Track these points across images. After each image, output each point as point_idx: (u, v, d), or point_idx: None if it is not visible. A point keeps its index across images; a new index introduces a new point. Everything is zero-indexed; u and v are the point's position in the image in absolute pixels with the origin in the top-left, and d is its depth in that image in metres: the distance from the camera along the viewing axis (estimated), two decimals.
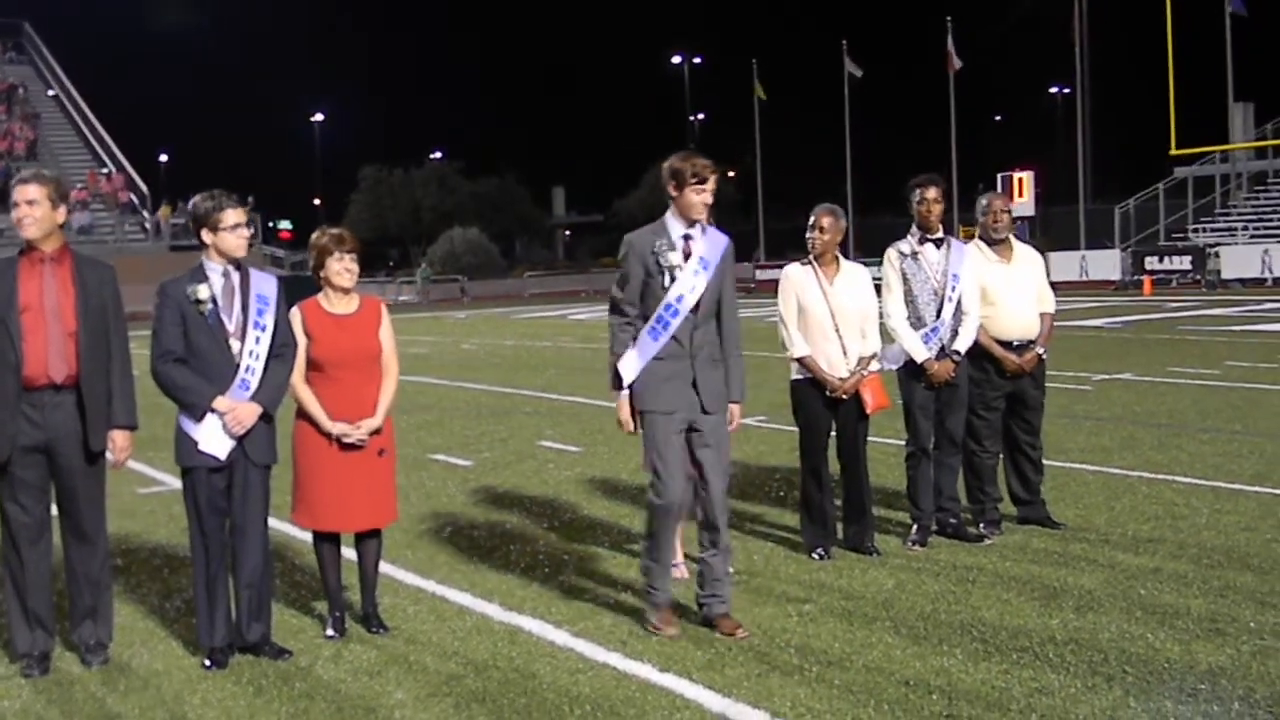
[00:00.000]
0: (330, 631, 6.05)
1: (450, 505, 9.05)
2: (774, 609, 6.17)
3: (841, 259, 7.22)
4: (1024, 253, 7.74)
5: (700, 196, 5.86)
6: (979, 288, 7.44)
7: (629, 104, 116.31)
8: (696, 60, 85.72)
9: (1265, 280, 36.04)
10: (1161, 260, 39.55)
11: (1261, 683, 4.94)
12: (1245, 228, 43.64)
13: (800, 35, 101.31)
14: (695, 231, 5.94)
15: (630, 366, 5.90)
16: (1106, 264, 40.90)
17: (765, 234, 67.92)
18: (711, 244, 5.96)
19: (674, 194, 5.92)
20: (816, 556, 7.10)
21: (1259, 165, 49.45)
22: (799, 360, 7.14)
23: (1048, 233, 58.51)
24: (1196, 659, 5.22)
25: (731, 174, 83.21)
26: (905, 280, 7.29)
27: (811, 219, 7.19)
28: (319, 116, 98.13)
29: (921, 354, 7.19)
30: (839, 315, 7.10)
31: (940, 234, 7.33)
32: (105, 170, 52.68)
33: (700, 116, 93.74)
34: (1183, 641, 5.43)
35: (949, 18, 53.14)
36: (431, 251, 73.28)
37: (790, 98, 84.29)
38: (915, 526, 7.35)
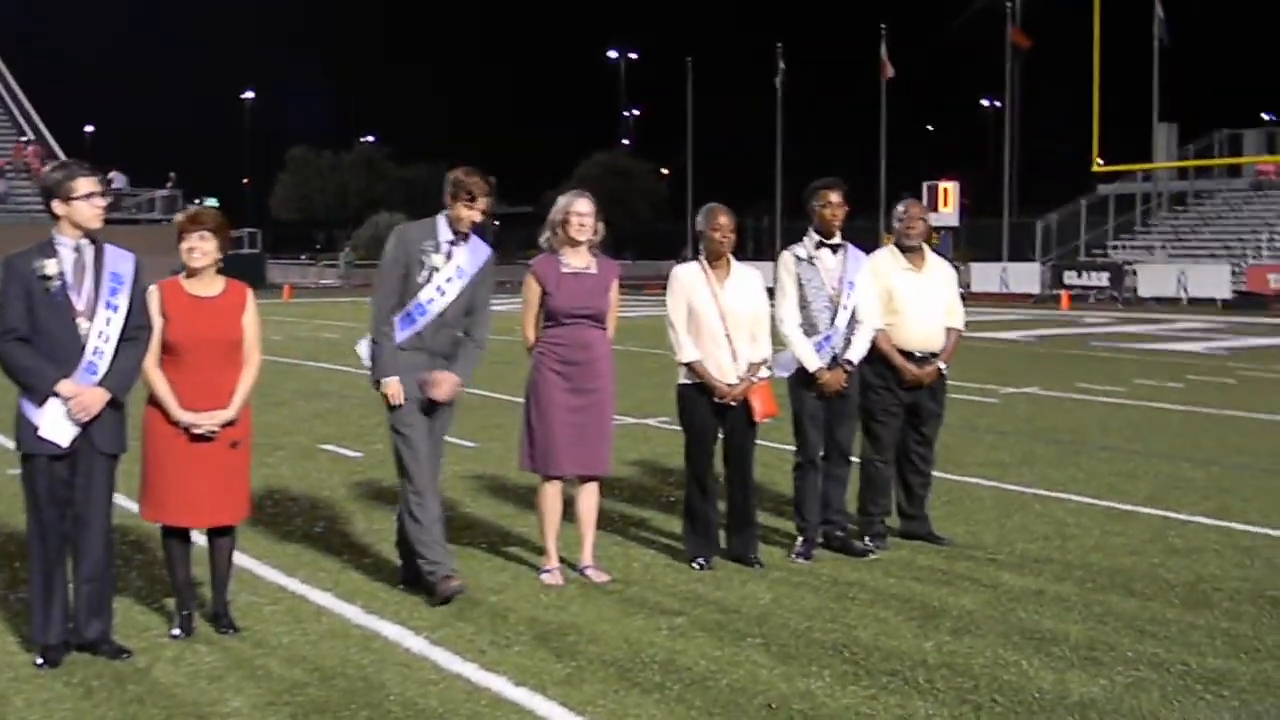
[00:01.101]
0: (176, 631, 5.74)
1: (331, 499, 8.75)
2: (644, 621, 5.95)
3: (733, 261, 7.02)
4: (936, 263, 7.57)
5: (469, 212, 6.22)
6: (881, 295, 7.27)
7: (564, 96, 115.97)
8: (633, 55, 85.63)
9: (1180, 300, 36.47)
10: (1080, 276, 39.94)
11: (1132, 717, 4.79)
12: (1163, 247, 44.21)
13: (737, 36, 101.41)
14: (460, 241, 6.28)
15: (368, 351, 6.31)
16: (1027, 277, 41.21)
17: (694, 233, 67.78)
18: (473, 255, 6.32)
19: (449, 202, 6.26)
20: (697, 566, 6.89)
21: (1180, 186, 50.13)
22: (688, 365, 6.93)
23: (973, 244, 59.03)
24: (1069, 689, 5.06)
25: (665, 171, 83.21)
26: (800, 286, 7.10)
27: (703, 218, 6.98)
28: (249, 94, 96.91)
29: (813, 363, 7.00)
30: (730, 319, 6.90)
31: (838, 239, 7.15)
32: (25, 139, 51.43)
33: (636, 112, 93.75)
34: (1057, 670, 5.28)
35: (883, 25, 53.40)
36: (357, 236, 72.42)
37: (725, 98, 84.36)
38: (800, 539, 7.17)
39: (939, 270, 7.52)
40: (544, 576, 6.66)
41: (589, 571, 6.72)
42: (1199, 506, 8.42)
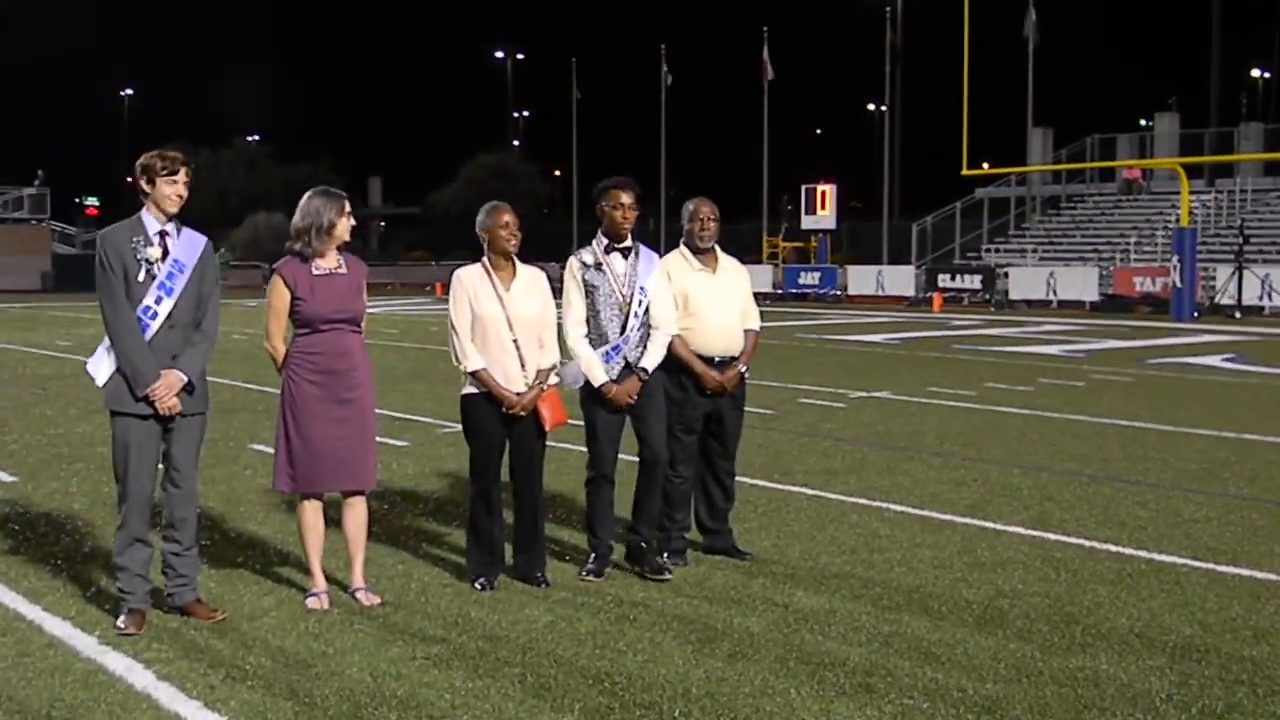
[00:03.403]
0: None
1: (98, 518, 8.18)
2: (401, 650, 5.52)
3: (517, 262, 6.62)
4: (729, 264, 7.26)
5: (173, 188, 5.79)
6: (676, 299, 6.92)
7: (451, 97, 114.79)
8: (520, 56, 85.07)
9: (1050, 302, 36.92)
10: (954, 278, 40.26)
11: None
12: (1035, 250, 44.78)
13: (620, 38, 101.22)
14: (171, 229, 5.81)
15: (102, 367, 5.81)
16: (902, 280, 41.45)
17: (580, 234, 67.59)
18: (187, 245, 5.87)
19: (147, 189, 5.82)
20: (479, 586, 6.48)
21: (1053, 189, 50.93)
22: (473, 374, 6.52)
23: (855, 247, 59.49)
24: None
25: (558, 173, 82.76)
26: (588, 293, 6.72)
27: (485, 216, 6.57)
28: (129, 91, 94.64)
29: (598, 377, 6.62)
30: (516, 324, 6.50)
31: (629, 243, 6.79)
32: None
33: (525, 114, 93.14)
34: (825, 699, 4.95)
35: (765, 28, 53.55)
36: (235, 235, 70.92)
37: (610, 99, 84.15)
38: (593, 555, 6.79)
39: (733, 272, 7.20)
40: (309, 601, 6.21)
41: (359, 594, 6.28)
42: (1017, 516, 8.20)
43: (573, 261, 6.79)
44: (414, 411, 12.71)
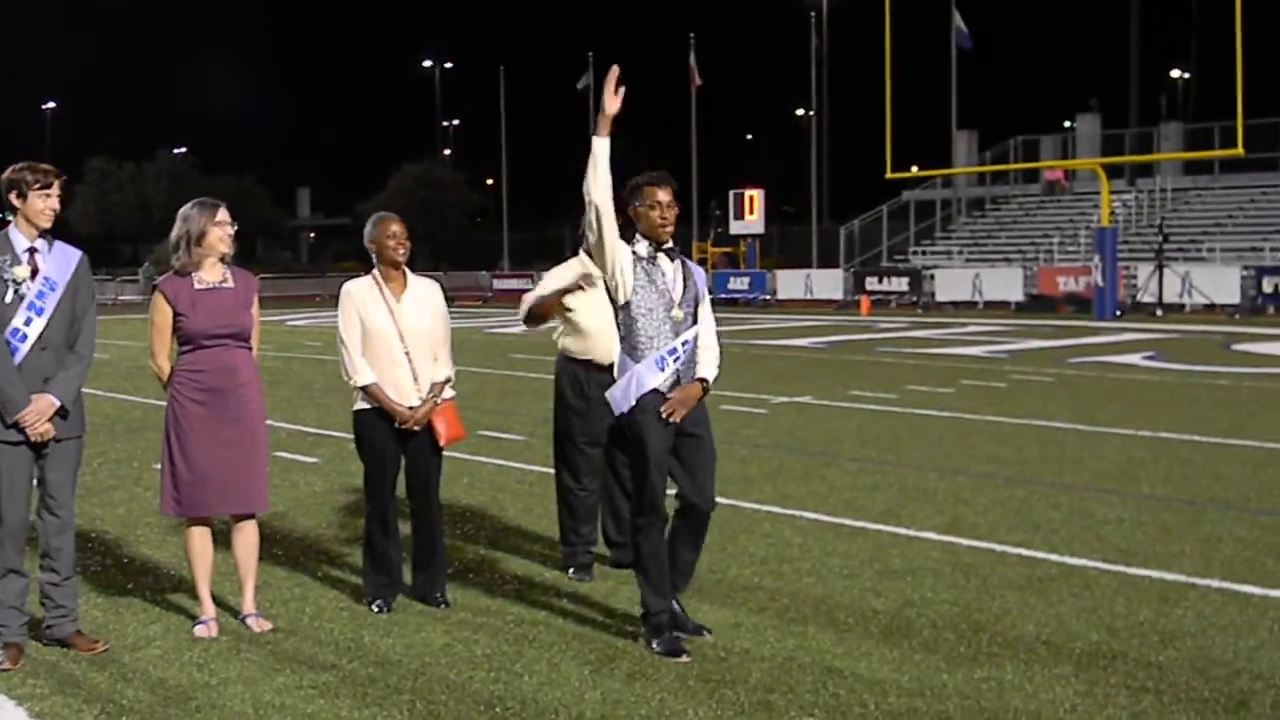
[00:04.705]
0: None
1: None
2: (288, 679, 5.31)
3: (409, 273, 6.44)
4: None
5: (47, 202, 5.53)
6: (563, 311, 6.76)
7: (380, 106, 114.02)
8: (448, 65, 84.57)
9: (976, 304, 37.16)
10: (881, 281, 40.42)
11: None
12: (961, 251, 45.10)
13: (548, 45, 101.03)
14: (42, 246, 5.53)
15: None
16: (830, 283, 41.55)
17: (510, 244, 67.23)
18: (59, 261, 5.58)
19: (16, 204, 5.56)
20: (375, 609, 6.28)
21: (978, 192, 51.34)
22: (364, 389, 6.32)
23: (785, 251, 59.66)
24: None
25: (490, 181, 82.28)
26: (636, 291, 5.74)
27: (373, 227, 6.38)
28: (51, 105, 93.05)
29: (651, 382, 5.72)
30: (408, 337, 6.31)
31: (672, 244, 6.11)
32: None
33: (455, 122, 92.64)
34: (722, 719, 4.81)
35: (692, 34, 53.59)
36: (159, 249, 69.87)
37: (539, 107, 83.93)
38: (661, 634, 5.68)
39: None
40: (197, 628, 5.97)
41: (250, 620, 6.05)
42: (931, 521, 8.12)
43: (624, 251, 5.69)
44: (328, 427, 12.44)
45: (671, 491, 5.83)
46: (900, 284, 39.89)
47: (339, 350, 6.38)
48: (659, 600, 5.63)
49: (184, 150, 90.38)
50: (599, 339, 6.79)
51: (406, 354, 6.31)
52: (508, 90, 64.41)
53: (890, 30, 35.02)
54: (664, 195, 5.73)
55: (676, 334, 5.69)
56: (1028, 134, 49.95)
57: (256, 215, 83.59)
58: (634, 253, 5.71)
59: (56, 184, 5.59)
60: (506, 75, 64.26)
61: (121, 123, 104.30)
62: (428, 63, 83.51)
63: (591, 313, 6.79)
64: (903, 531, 7.86)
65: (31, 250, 5.55)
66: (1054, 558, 7.18)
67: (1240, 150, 31.78)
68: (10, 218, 5.60)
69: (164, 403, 6.03)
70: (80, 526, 7.66)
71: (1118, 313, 31.70)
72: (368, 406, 6.36)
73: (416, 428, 6.32)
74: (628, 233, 5.71)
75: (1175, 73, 72.51)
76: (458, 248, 78.89)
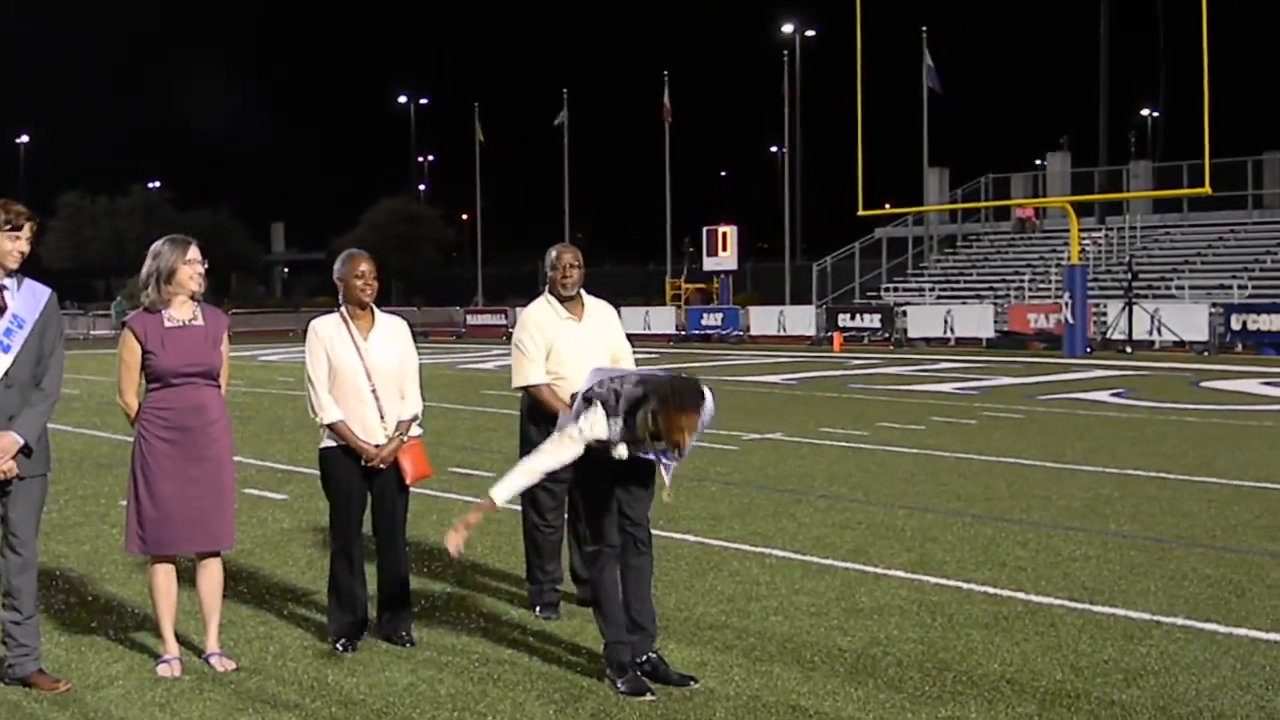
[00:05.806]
0: None
1: None
2: (249, 718, 5.28)
3: (376, 311, 6.45)
4: (596, 308, 7.06)
5: (15, 244, 5.53)
6: (543, 349, 6.75)
7: (355, 141, 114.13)
8: (423, 101, 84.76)
9: (948, 340, 37.33)
10: (854, 318, 40.57)
11: None
12: (933, 288, 45.33)
13: (523, 82, 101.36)
14: (10, 284, 5.52)
15: None
16: (803, 320, 41.69)
17: (485, 279, 67.24)
18: (29, 299, 5.54)
19: None
20: (340, 648, 6.24)
21: (950, 229, 51.68)
22: (330, 426, 6.31)
23: (759, 287, 59.87)
24: None
25: (465, 216, 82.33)
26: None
27: (341, 265, 6.40)
28: (24, 138, 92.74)
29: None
30: (375, 374, 6.32)
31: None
32: None
33: (430, 158, 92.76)
34: None
35: (666, 72, 53.92)
36: (132, 284, 69.61)
37: (514, 143, 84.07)
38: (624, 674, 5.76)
39: (599, 315, 7.03)
40: (159, 668, 5.94)
41: (213, 659, 6.02)
42: (899, 559, 8.14)
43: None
44: (298, 463, 12.38)
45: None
46: (873, 320, 40.06)
47: (306, 387, 6.37)
48: (611, 630, 5.70)
49: (158, 184, 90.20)
50: (571, 380, 6.78)
51: (373, 391, 6.31)
52: (483, 126, 64.62)
53: (862, 69, 35.29)
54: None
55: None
56: (998, 172, 50.38)
57: (231, 249, 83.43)
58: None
59: (27, 226, 5.58)
60: (481, 111, 64.50)
61: (95, 156, 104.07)
62: (403, 99, 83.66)
63: (563, 355, 6.79)
64: (870, 569, 7.87)
65: (0, 288, 5.54)
66: (1020, 595, 7.20)
67: (1208, 189, 32.12)
68: None
69: (132, 439, 6.01)
70: (45, 563, 7.61)
71: (1088, 350, 31.90)
72: (334, 444, 6.35)
73: (382, 465, 6.31)
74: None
75: (1145, 111, 73.25)
76: (432, 283, 78.84)
